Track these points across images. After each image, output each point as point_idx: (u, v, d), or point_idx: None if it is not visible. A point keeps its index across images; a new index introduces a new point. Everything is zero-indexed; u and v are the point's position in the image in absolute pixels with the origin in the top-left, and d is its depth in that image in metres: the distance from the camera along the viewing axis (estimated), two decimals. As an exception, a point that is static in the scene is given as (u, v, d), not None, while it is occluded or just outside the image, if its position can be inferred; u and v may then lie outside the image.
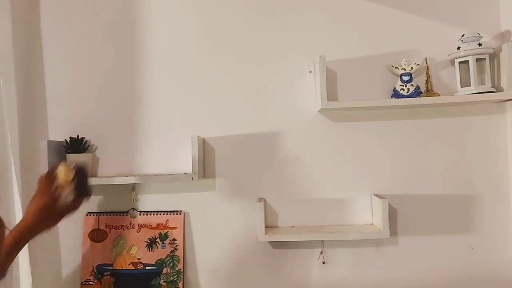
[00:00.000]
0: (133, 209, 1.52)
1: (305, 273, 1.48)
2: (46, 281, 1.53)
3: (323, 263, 1.47)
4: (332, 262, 1.47)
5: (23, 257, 1.42)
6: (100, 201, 1.53)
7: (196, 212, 1.51)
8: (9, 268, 1.06)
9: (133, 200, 1.52)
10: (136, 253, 1.50)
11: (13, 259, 1.08)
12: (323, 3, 1.51)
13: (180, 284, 1.48)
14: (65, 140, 1.48)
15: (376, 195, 1.42)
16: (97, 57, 1.55)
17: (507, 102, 1.44)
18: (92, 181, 1.41)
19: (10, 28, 1.46)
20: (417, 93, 1.42)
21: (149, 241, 1.50)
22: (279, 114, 1.50)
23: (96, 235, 1.51)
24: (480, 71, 1.39)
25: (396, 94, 1.43)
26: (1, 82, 1.40)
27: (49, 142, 1.44)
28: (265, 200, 1.47)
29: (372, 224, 1.46)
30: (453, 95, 1.43)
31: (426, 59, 1.44)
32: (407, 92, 1.42)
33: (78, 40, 1.56)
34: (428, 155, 1.47)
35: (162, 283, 1.48)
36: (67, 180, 1.10)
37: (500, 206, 1.45)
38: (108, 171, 1.52)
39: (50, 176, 1.11)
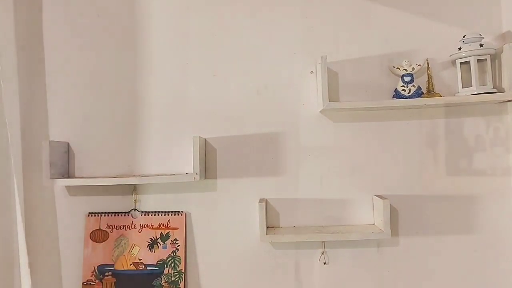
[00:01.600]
0: (135, 209, 1.52)
1: (306, 273, 1.48)
2: (46, 281, 1.53)
3: (325, 263, 1.47)
4: (334, 262, 1.47)
5: (23, 257, 1.42)
6: (101, 201, 1.53)
7: (197, 212, 1.51)
8: None
9: (135, 200, 1.52)
10: (138, 253, 1.50)
11: None
12: (324, 4, 1.51)
13: (182, 285, 1.48)
14: None
15: (378, 196, 1.42)
16: (98, 57, 1.55)
17: (508, 102, 1.44)
18: (94, 181, 1.42)
19: (13, 29, 1.46)
20: (418, 93, 1.42)
21: (150, 242, 1.50)
22: (280, 115, 1.50)
23: (97, 236, 1.51)
24: (482, 71, 1.39)
25: (397, 95, 1.44)
26: (3, 83, 1.39)
27: (51, 143, 1.44)
28: (266, 200, 1.47)
29: (374, 224, 1.46)
30: (454, 95, 1.43)
31: (427, 60, 1.44)
32: (408, 93, 1.42)
33: (79, 41, 1.56)
34: (429, 155, 1.47)
35: (164, 284, 1.48)
36: None
37: (501, 206, 1.45)
38: (109, 172, 1.52)
39: None
